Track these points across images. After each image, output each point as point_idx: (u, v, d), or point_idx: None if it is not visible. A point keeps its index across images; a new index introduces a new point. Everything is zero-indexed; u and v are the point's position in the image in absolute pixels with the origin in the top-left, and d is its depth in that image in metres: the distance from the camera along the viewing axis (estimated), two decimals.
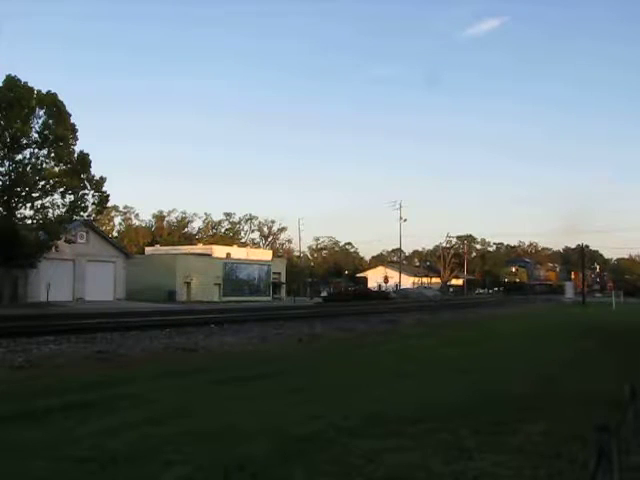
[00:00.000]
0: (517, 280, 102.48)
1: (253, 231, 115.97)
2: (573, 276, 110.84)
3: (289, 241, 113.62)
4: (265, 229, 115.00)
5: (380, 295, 70.61)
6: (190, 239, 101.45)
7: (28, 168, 42.11)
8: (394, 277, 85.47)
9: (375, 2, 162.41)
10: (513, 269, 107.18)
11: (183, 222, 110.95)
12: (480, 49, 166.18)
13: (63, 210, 43.09)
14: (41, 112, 42.20)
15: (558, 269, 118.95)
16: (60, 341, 17.91)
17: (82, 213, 44.09)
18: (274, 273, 75.60)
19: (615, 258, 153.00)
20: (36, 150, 42.46)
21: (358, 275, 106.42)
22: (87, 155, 43.49)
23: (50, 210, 43.06)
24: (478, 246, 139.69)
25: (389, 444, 6.47)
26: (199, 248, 76.32)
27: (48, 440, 6.65)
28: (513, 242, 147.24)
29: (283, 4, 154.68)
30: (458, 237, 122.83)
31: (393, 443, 6.52)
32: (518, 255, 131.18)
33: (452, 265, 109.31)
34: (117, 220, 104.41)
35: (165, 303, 51.21)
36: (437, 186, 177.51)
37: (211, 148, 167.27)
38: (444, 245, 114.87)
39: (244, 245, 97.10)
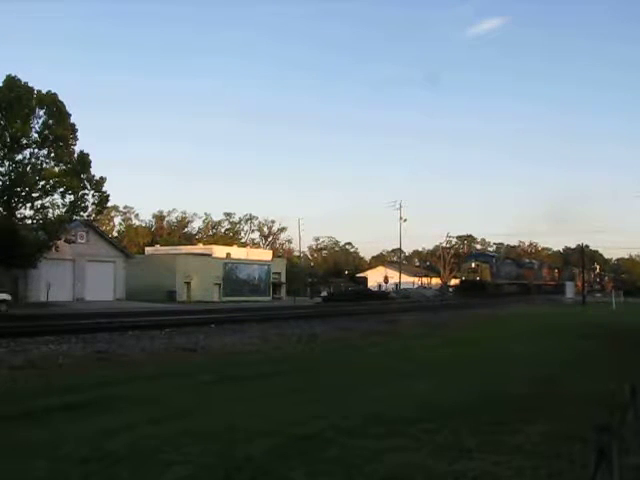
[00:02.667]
0: (477, 278, 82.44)
1: (253, 231, 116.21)
2: (557, 273, 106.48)
3: (289, 241, 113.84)
4: (265, 229, 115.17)
5: (380, 295, 70.58)
6: (190, 239, 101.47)
7: (28, 168, 42.14)
8: (394, 277, 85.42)
9: (375, 1, 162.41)
10: (473, 265, 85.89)
11: (183, 222, 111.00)
12: (481, 49, 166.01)
13: (63, 210, 43.14)
14: (41, 112, 42.26)
15: (536, 266, 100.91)
16: (60, 341, 17.92)
17: (82, 213, 44.14)
18: (274, 273, 75.60)
19: (615, 258, 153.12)
20: (36, 150, 42.53)
21: (358, 275, 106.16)
22: (87, 155, 43.55)
23: (50, 210, 43.17)
24: (478, 246, 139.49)
25: (389, 444, 6.47)
26: (199, 248, 76.34)
27: (48, 440, 6.65)
28: (513, 242, 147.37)
29: (283, 4, 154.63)
30: (458, 237, 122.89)
31: (393, 443, 6.52)
32: (518, 255, 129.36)
33: (452, 265, 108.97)
34: (117, 220, 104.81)
35: (165, 303, 51.22)
36: (437, 186, 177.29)
37: (211, 148, 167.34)
38: (444, 245, 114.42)
39: (244, 245, 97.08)
